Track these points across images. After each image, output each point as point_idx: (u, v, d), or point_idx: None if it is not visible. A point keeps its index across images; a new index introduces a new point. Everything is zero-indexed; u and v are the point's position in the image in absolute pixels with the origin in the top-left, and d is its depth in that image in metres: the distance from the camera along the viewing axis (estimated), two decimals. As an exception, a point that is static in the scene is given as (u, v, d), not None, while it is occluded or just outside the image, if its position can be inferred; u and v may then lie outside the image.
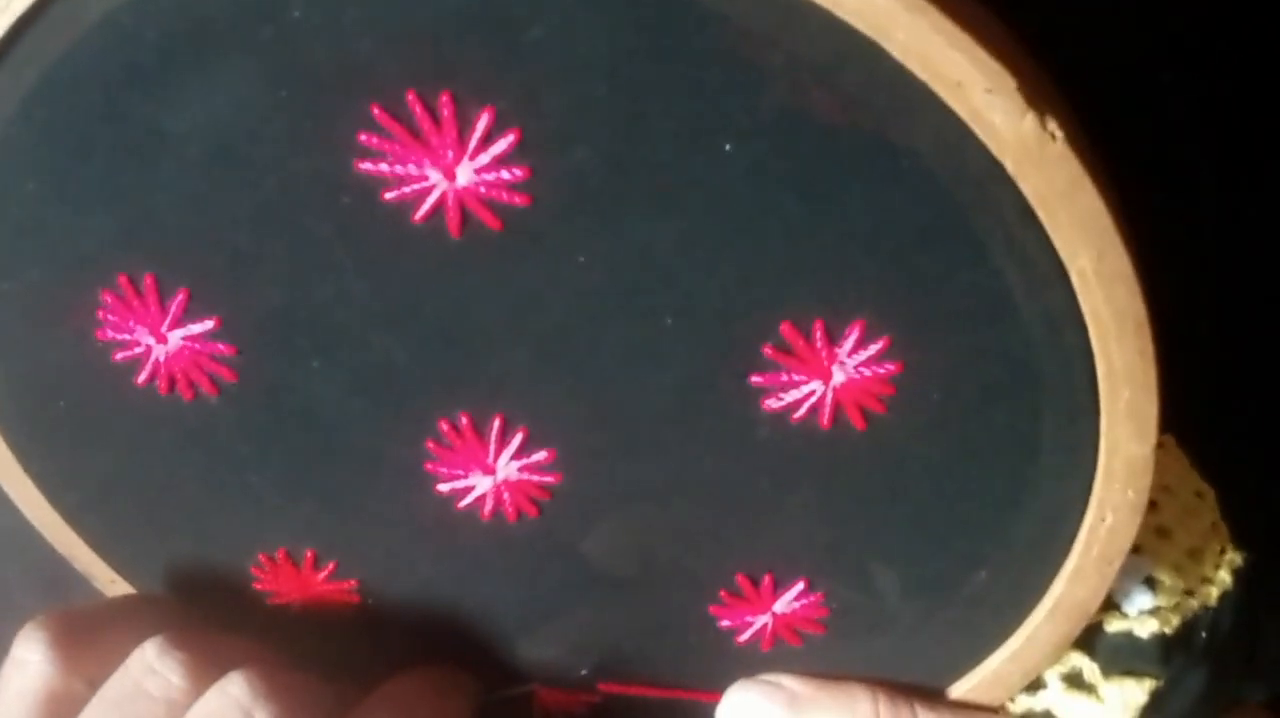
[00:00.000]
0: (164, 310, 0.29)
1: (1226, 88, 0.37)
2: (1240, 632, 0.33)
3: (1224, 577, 0.33)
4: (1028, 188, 0.24)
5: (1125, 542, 0.29)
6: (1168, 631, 0.33)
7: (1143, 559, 0.33)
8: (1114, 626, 0.33)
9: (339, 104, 0.26)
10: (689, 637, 0.33)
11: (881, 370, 0.27)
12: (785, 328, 0.27)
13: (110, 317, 0.30)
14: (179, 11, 0.25)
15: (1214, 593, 0.33)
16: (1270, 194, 0.35)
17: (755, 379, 0.28)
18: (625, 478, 0.30)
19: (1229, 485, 0.34)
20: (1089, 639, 0.33)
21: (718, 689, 0.34)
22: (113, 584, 0.36)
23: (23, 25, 0.26)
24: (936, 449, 0.29)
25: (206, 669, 0.31)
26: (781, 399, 0.28)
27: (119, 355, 0.30)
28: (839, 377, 0.28)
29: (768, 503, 0.30)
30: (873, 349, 0.27)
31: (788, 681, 0.33)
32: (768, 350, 0.27)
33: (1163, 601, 0.33)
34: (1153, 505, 0.33)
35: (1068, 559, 0.30)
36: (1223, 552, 0.34)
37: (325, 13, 0.25)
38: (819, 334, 0.27)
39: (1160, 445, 0.32)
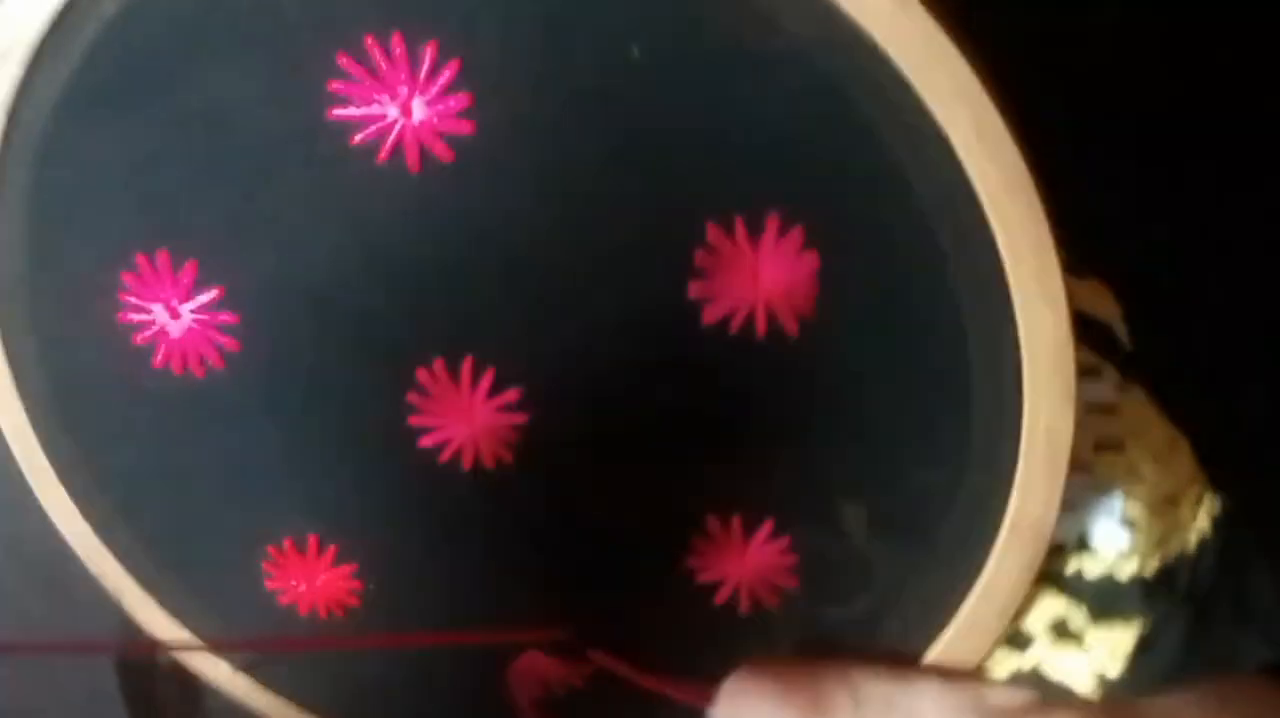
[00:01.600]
0: (177, 283, 0.33)
1: (1227, 85, 0.39)
2: (1223, 578, 0.33)
3: (1202, 523, 0.33)
4: (899, 59, 0.27)
5: (1065, 439, 0.30)
6: (1147, 573, 0.33)
7: (1116, 499, 0.33)
8: (1093, 570, 0.33)
9: (311, 57, 0.30)
10: (669, 596, 0.34)
11: (802, 265, 0.30)
12: (710, 230, 0.30)
13: (131, 298, 0.34)
14: (171, 17, 0.30)
15: (1192, 539, 0.33)
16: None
17: (693, 290, 0.30)
18: (587, 411, 0.32)
19: (1205, 437, 0.34)
20: (1072, 586, 0.33)
21: (699, 666, 0.34)
22: (142, 607, 0.38)
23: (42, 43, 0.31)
24: (869, 349, 0.30)
25: None
26: (718, 310, 0.30)
27: (139, 338, 0.34)
28: (765, 277, 0.30)
29: (725, 431, 0.32)
30: (790, 241, 0.29)
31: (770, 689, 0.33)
32: (699, 257, 0.30)
33: (1140, 541, 0.33)
34: (1120, 447, 0.34)
35: (1016, 471, 0.31)
36: (1200, 498, 0.34)
37: None
38: (740, 230, 0.30)
39: (1126, 393, 0.33)
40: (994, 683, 0.33)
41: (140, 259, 0.33)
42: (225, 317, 0.33)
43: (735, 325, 0.30)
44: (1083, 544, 0.33)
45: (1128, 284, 0.35)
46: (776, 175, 0.29)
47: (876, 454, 0.31)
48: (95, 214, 0.33)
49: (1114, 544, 0.32)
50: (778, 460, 0.32)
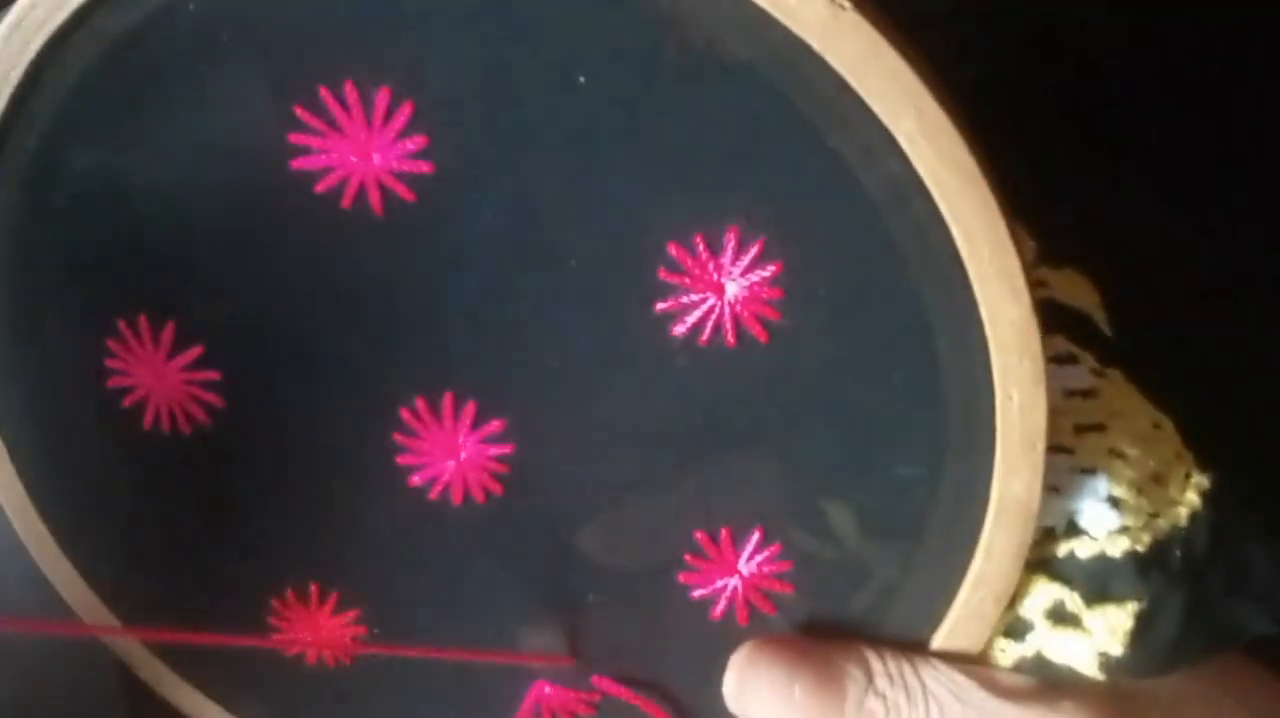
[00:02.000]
0: (158, 347, 0.34)
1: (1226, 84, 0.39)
2: (1218, 553, 0.33)
3: (1192, 498, 0.34)
4: (837, 61, 0.28)
5: (1039, 419, 0.30)
6: (1140, 548, 0.33)
7: (1099, 479, 0.33)
8: (1085, 550, 0.33)
9: (269, 114, 0.31)
10: (667, 617, 0.34)
11: (765, 273, 0.30)
12: (672, 247, 0.30)
13: (118, 365, 0.34)
14: (130, 75, 0.31)
15: (1183, 514, 0.33)
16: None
17: (660, 306, 0.31)
18: (570, 436, 0.33)
19: (1188, 416, 0.35)
20: (1065, 572, 0.33)
21: (703, 682, 0.35)
22: (150, 667, 0.39)
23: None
24: (838, 349, 0.31)
25: None
26: (686, 322, 0.31)
27: (128, 400, 0.35)
28: (731, 288, 0.30)
29: (704, 442, 0.32)
30: (752, 252, 0.30)
31: (781, 658, 0.33)
32: (663, 273, 0.30)
33: (1129, 519, 0.33)
34: (1101, 428, 0.34)
35: (995, 455, 0.31)
36: (1189, 476, 0.34)
37: (247, 34, 0.30)
38: (701, 247, 0.30)
39: (1104, 377, 0.34)
40: (1001, 668, 0.33)
41: (123, 326, 0.34)
42: (207, 374, 0.34)
43: (705, 338, 0.31)
44: (1072, 528, 0.33)
45: (1114, 271, 0.35)
46: (731, 190, 0.29)
47: (856, 452, 0.32)
48: (75, 288, 0.34)
49: (1103, 524, 0.33)
50: (760, 469, 0.32)
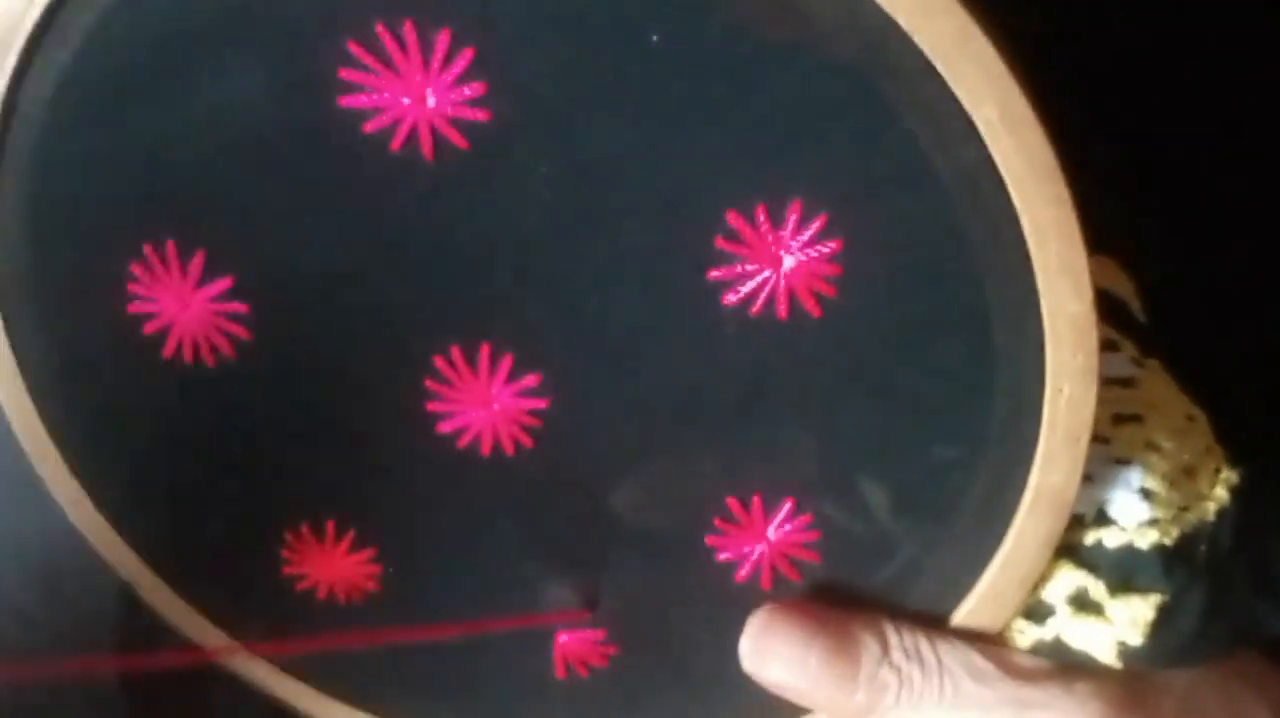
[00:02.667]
0: (185, 275, 0.33)
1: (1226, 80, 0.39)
2: (1242, 549, 0.33)
3: (1221, 493, 0.34)
4: (924, 41, 0.27)
5: (1086, 414, 0.30)
6: (1167, 541, 0.33)
7: (1133, 470, 0.33)
8: (1113, 540, 0.33)
9: (321, 46, 0.29)
10: (691, 575, 0.34)
11: (825, 249, 0.29)
12: (732, 216, 0.29)
13: (139, 290, 0.33)
14: (172, 10, 0.29)
15: (1211, 509, 0.34)
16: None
17: (713, 274, 0.30)
18: (608, 395, 0.32)
19: (1221, 410, 0.35)
20: (1091, 559, 0.33)
21: (721, 640, 0.35)
22: (155, 591, 0.38)
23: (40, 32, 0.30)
24: (891, 329, 0.30)
25: None
26: (739, 292, 0.30)
27: (149, 327, 0.34)
28: (788, 262, 0.30)
29: (745, 412, 0.32)
30: (813, 227, 0.29)
31: (799, 624, 0.33)
32: (720, 242, 0.30)
33: (1159, 512, 0.33)
34: (1138, 419, 0.34)
35: (1037, 444, 0.31)
36: (1218, 471, 0.34)
37: None
38: (762, 219, 0.29)
39: (1143, 367, 0.33)
40: (1017, 649, 0.33)
41: (148, 250, 0.33)
42: (236, 306, 0.33)
43: (757, 308, 0.30)
44: (1102, 516, 0.33)
45: (1145, 266, 0.35)
46: (799, 162, 0.29)
47: (898, 432, 0.31)
48: (100, 206, 0.32)
49: (1133, 515, 0.33)
50: (799, 440, 0.32)
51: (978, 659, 0.33)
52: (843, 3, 0.27)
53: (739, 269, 0.30)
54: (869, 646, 0.33)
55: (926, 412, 0.31)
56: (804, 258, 0.30)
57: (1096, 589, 0.33)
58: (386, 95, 0.29)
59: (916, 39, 0.27)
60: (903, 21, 0.27)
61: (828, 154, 0.28)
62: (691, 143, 0.29)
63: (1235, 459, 0.34)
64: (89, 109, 0.31)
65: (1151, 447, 0.33)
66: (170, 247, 0.32)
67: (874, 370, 0.31)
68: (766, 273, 0.30)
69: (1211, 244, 0.38)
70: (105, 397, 0.35)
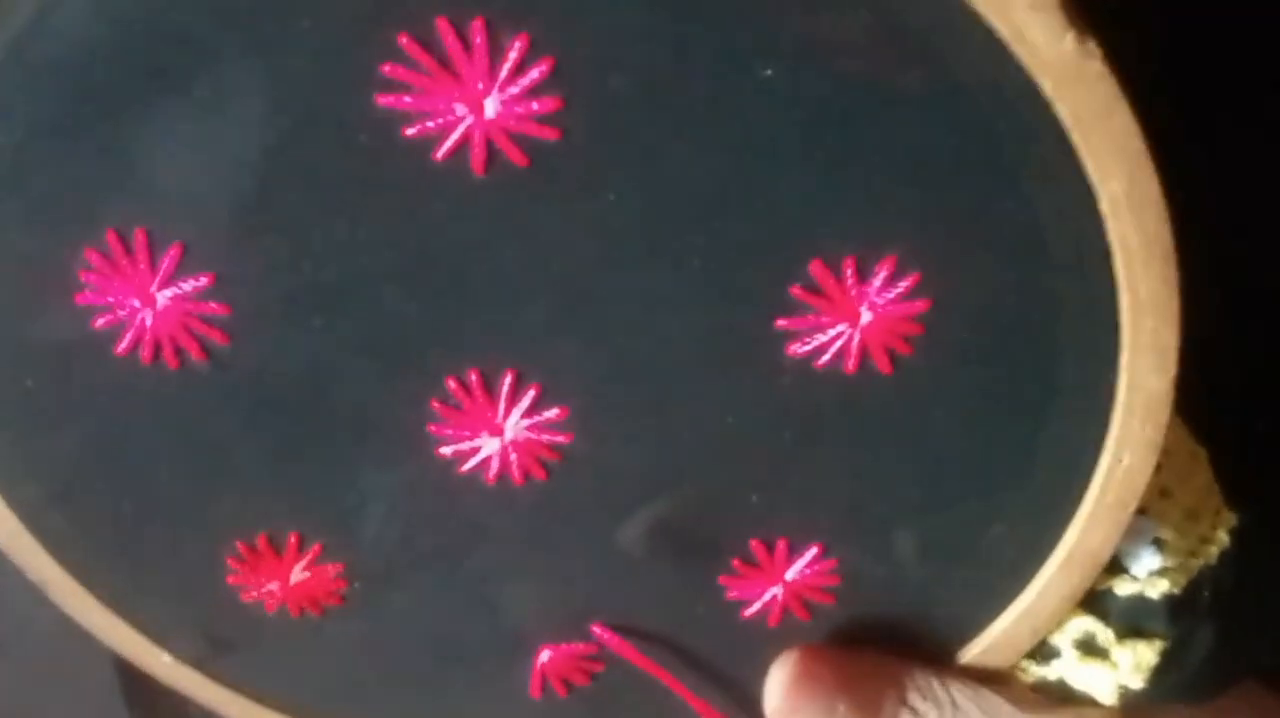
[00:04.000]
0: (154, 270, 0.28)
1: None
2: (1243, 590, 0.34)
3: (1222, 536, 0.34)
4: (1064, 109, 0.25)
5: (1140, 483, 0.29)
6: (1176, 590, 0.33)
7: (1148, 521, 0.33)
8: (1125, 589, 0.33)
9: (363, 35, 0.25)
10: (695, 608, 0.32)
11: (910, 309, 0.27)
12: (815, 266, 0.27)
13: (93, 279, 0.28)
14: None
15: (1214, 552, 0.34)
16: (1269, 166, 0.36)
17: (781, 323, 0.28)
18: (640, 437, 0.29)
19: (1219, 445, 0.34)
20: (1101, 604, 0.33)
21: (716, 672, 0.33)
22: (70, 597, 0.34)
23: None
24: (960, 393, 0.28)
25: None
26: (808, 344, 0.28)
27: (100, 321, 0.29)
28: (866, 317, 0.27)
29: (788, 459, 0.30)
30: (902, 286, 0.27)
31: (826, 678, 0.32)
32: (796, 291, 0.27)
33: (1170, 561, 0.33)
34: (1157, 468, 0.33)
35: (1082, 505, 0.30)
36: (1218, 511, 0.34)
37: None
38: (849, 272, 0.27)
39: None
40: (1024, 688, 0.33)
41: (111, 236, 0.28)
42: (213, 307, 0.28)
43: (824, 362, 0.28)
44: (1115, 564, 0.32)
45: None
46: (901, 217, 0.26)
47: (943, 492, 0.30)
48: (55, 177, 0.27)
49: (1146, 565, 0.33)
50: (839, 490, 0.30)
51: (989, 696, 0.33)
52: (987, 59, 0.24)
53: (811, 320, 0.27)
54: (888, 694, 0.32)
55: (977, 472, 0.30)
56: (884, 313, 0.27)
57: (1104, 635, 0.33)
58: (437, 100, 0.25)
59: (1057, 107, 0.25)
60: (1047, 87, 0.24)
61: (934, 212, 0.26)
62: (785, 185, 0.26)
63: (1230, 492, 0.34)
64: (57, 62, 0.25)
65: (1165, 494, 0.33)
66: (139, 234, 0.27)
67: (933, 430, 0.29)
68: (841, 327, 0.28)
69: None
70: (36, 395, 0.30)
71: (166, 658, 0.35)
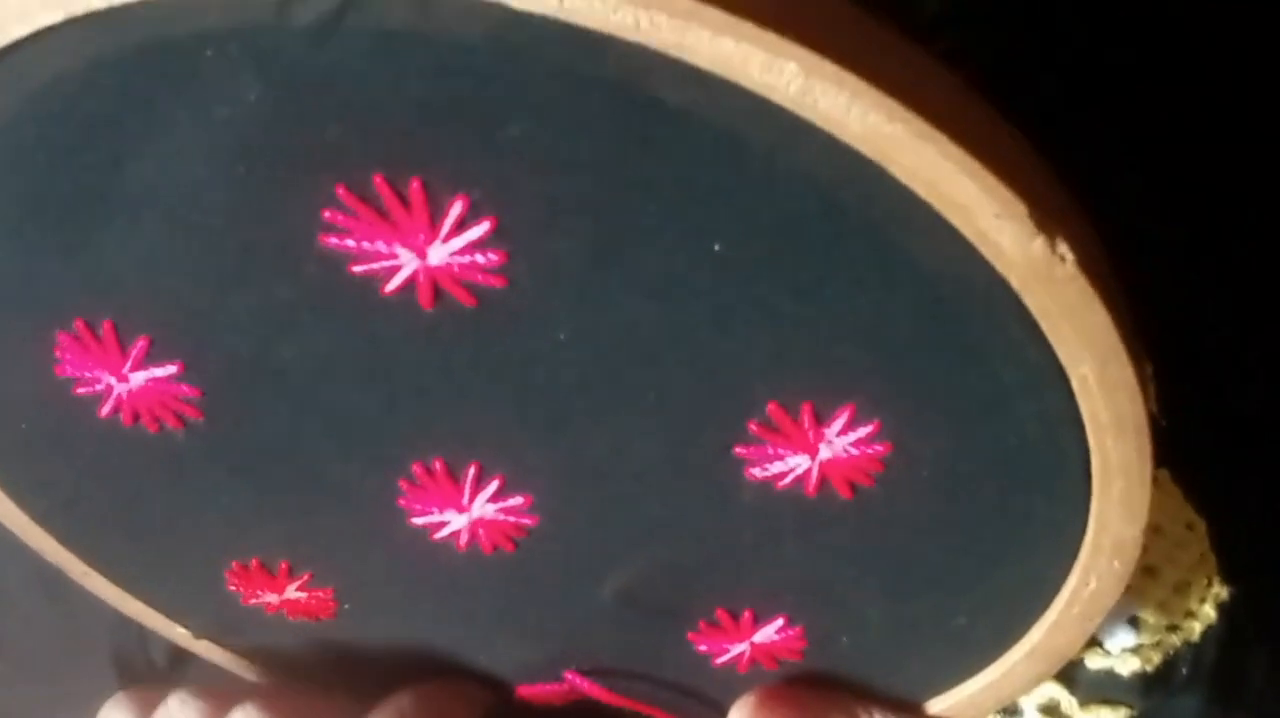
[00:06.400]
0: (124, 355, 0.28)
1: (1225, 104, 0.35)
2: (1223, 665, 0.33)
3: (1208, 611, 0.33)
4: (1033, 303, 0.23)
5: (1108, 603, 0.29)
6: (1149, 668, 0.33)
7: (1129, 600, 0.32)
8: (1096, 663, 0.33)
9: (302, 181, 0.24)
10: (665, 655, 0.33)
11: (870, 451, 0.26)
12: (772, 408, 0.26)
13: (67, 356, 0.29)
14: (128, 86, 0.23)
15: (1197, 628, 0.33)
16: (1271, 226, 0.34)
17: (739, 451, 0.27)
18: (605, 526, 0.30)
19: (1221, 516, 0.34)
20: (1068, 673, 0.33)
21: (692, 706, 0.34)
22: (86, 577, 0.36)
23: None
24: (923, 519, 0.28)
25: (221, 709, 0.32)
26: (766, 469, 0.27)
27: (79, 390, 0.29)
28: (825, 453, 0.27)
29: (751, 554, 0.30)
30: (862, 432, 0.26)
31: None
32: (753, 427, 0.27)
33: (1145, 638, 0.33)
34: (1143, 548, 0.33)
35: (1048, 612, 0.30)
36: (1209, 584, 0.33)
37: (285, 98, 0.23)
38: (806, 416, 0.26)
39: (1154, 482, 0.31)
40: None
41: (79, 324, 0.28)
42: (186, 389, 0.29)
43: (783, 486, 0.28)
44: (1090, 639, 0.32)
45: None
46: (862, 375, 0.25)
47: (906, 590, 0.30)
48: (24, 266, 0.27)
49: (1119, 642, 0.32)
50: (802, 581, 0.30)
51: None
52: (953, 253, 0.23)
53: (769, 451, 0.27)
54: None
55: (941, 579, 0.29)
56: (844, 453, 0.27)
57: (1068, 702, 0.33)
58: (379, 245, 0.24)
59: (1026, 300, 0.23)
60: (1015, 284, 0.23)
61: (898, 375, 0.25)
62: (742, 338, 0.25)
63: (1228, 564, 0.34)
64: (33, 167, 0.25)
65: (1149, 572, 0.32)
66: (106, 324, 0.28)
67: (895, 548, 0.29)
68: (800, 458, 0.27)
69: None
70: (32, 435, 0.31)
71: (181, 630, 0.37)
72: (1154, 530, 0.33)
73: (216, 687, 0.36)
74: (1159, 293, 0.30)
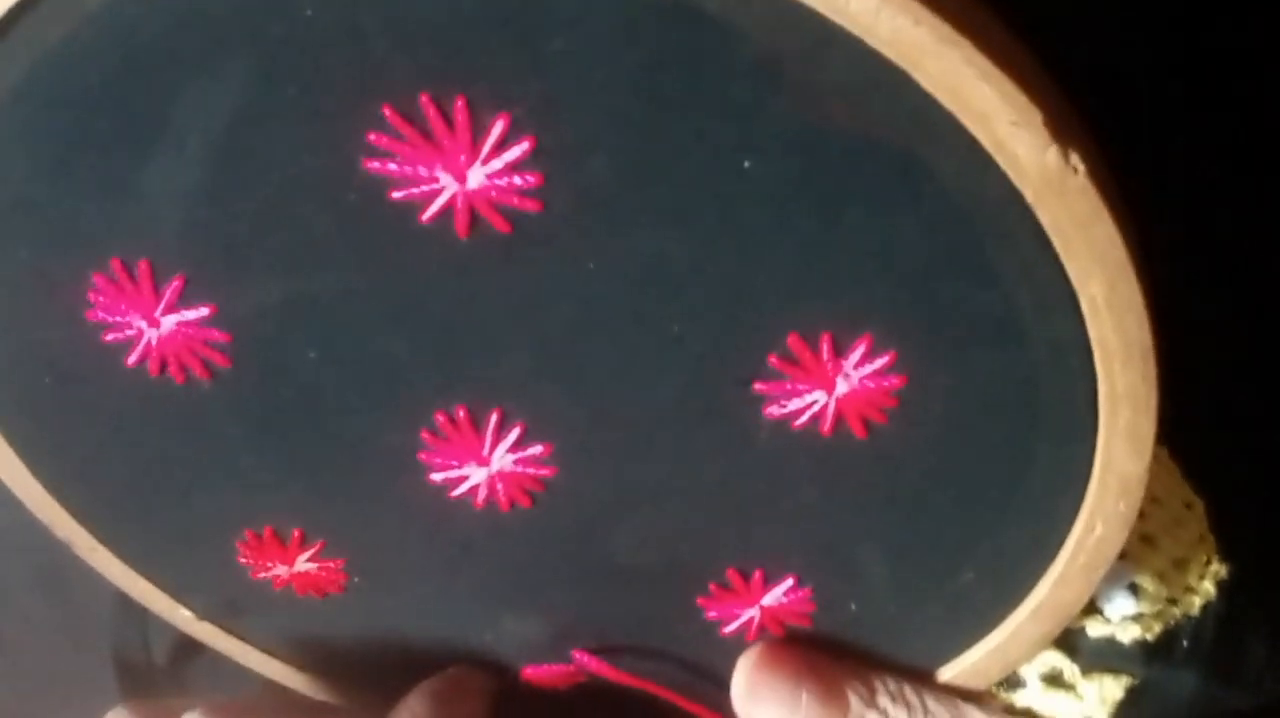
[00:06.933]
0: (158, 295, 0.29)
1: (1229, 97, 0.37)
2: (1223, 642, 0.34)
3: (1208, 587, 0.34)
4: (1045, 217, 0.24)
5: (1112, 551, 0.30)
6: (1149, 637, 0.33)
7: (1127, 566, 0.33)
8: (1096, 629, 0.33)
9: (349, 103, 0.25)
10: (675, 626, 0.33)
11: (886, 384, 0.27)
12: (792, 339, 0.27)
13: (101, 299, 0.29)
14: (183, 5, 0.24)
15: (1197, 603, 0.34)
16: (1270, 207, 0.35)
17: (758, 387, 0.28)
18: (622, 475, 0.30)
19: (1220, 498, 0.34)
20: (1070, 641, 0.34)
21: (701, 682, 0.34)
22: (93, 553, 0.36)
23: (21, 9, 0.25)
24: (934, 459, 0.29)
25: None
26: (784, 407, 0.28)
27: (109, 336, 0.30)
28: (842, 387, 0.28)
29: (764, 503, 0.30)
30: (878, 363, 0.27)
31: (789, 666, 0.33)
32: (773, 360, 0.27)
33: (1145, 607, 0.33)
34: (1140, 515, 0.33)
35: (1054, 565, 0.30)
36: (1208, 563, 0.34)
37: (339, 12, 0.24)
38: (825, 347, 0.27)
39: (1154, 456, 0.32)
40: (998, 706, 0.34)
41: (116, 264, 0.28)
42: (216, 334, 0.29)
43: (799, 424, 0.28)
44: (1090, 606, 0.33)
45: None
46: (880, 302, 0.26)
47: (919, 540, 0.30)
48: (63, 206, 0.28)
49: (1120, 609, 0.33)
50: (815, 532, 0.31)
51: (962, 704, 0.33)
52: (969, 165, 0.24)
53: (787, 387, 0.28)
54: (857, 688, 0.33)
55: (949, 528, 0.30)
56: (860, 386, 0.28)
57: (1070, 671, 0.33)
58: (420, 169, 0.25)
59: (1039, 214, 0.24)
60: (1028, 196, 0.24)
61: (911, 298, 0.26)
62: (763, 265, 0.26)
63: (1227, 546, 0.34)
64: (80, 96, 0.26)
65: (1148, 541, 0.33)
66: (143, 264, 0.28)
67: (906, 490, 0.29)
68: (818, 394, 0.28)
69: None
70: (55, 391, 0.31)
71: (185, 613, 0.37)
72: (1152, 501, 0.33)
73: (227, 701, 0.35)
74: (1157, 276, 0.32)
